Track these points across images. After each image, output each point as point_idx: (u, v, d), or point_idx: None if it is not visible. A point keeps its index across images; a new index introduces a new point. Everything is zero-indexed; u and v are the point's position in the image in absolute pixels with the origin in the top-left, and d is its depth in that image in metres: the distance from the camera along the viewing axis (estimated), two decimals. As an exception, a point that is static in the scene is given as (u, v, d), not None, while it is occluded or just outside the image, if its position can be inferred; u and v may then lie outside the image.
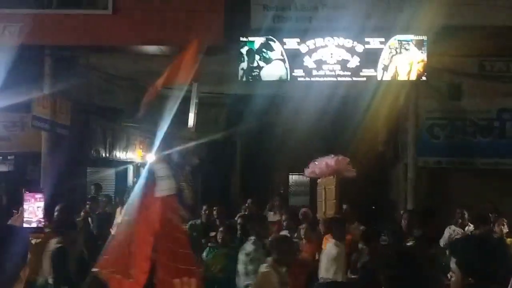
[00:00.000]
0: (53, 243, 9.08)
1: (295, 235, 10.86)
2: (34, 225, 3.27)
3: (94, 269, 6.59)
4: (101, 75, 16.87)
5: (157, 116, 6.76)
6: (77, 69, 15.80)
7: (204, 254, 9.98)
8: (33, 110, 14.44)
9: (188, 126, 6.90)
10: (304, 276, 8.95)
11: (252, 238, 8.95)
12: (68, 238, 9.00)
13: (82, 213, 12.31)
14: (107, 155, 18.66)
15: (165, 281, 6.46)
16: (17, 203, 11.95)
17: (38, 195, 3.33)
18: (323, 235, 10.75)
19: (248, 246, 8.84)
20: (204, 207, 12.86)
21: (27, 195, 3.27)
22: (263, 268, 7.44)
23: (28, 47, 14.40)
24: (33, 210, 3.29)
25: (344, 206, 12.37)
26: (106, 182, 18.11)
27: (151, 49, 15.55)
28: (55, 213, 9.75)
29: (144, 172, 18.94)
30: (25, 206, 3.25)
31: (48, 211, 8.87)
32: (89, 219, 12.34)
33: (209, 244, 10.31)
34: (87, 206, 13.07)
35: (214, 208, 12.78)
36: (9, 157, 16.47)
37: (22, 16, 14.56)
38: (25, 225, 3.26)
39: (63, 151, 15.18)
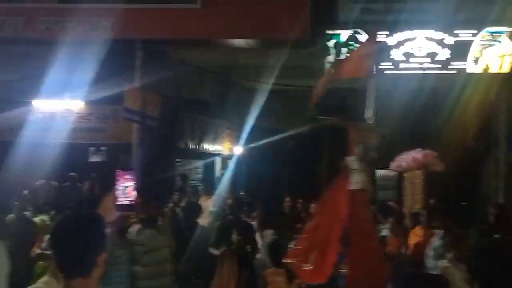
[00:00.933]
0: (269, 235, 9.40)
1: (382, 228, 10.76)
2: (125, 203, 3.38)
3: (284, 259, 6.70)
4: (189, 68, 17.16)
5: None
6: (166, 62, 16.12)
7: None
8: (124, 102, 14.85)
9: (367, 121, 6.93)
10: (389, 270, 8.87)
11: (440, 232, 8.75)
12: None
13: (170, 204, 12.54)
14: (195, 147, 18.95)
15: (357, 275, 6.47)
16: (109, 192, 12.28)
17: (128, 175, 3.43)
18: (410, 229, 10.63)
19: (436, 241, 8.72)
20: (288, 199, 12.92)
21: (118, 174, 3.38)
22: (444, 263, 7.41)
23: (120, 41, 14.80)
24: (123, 190, 3.40)
25: (431, 201, 12.18)
26: (194, 174, 18.40)
27: (238, 42, 15.69)
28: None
29: (231, 164, 19.11)
30: (117, 186, 3.37)
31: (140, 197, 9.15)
32: (176, 210, 12.56)
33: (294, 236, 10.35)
34: (175, 196, 13.31)
35: (299, 200, 12.80)
36: (101, 148, 16.97)
37: (115, 10, 14.96)
38: (116, 204, 3.37)
39: (152, 142, 15.55)
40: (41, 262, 9.23)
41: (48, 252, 8.32)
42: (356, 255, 6.48)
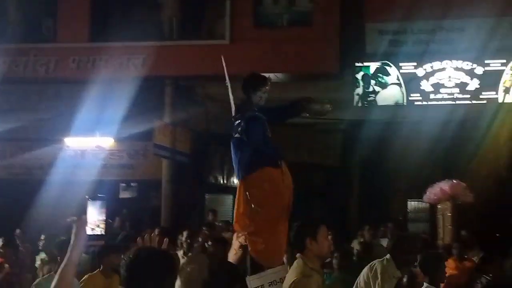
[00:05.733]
0: None
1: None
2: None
3: None
4: (218, 104, 17.25)
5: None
6: (195, 98, 16.23)
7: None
8: (154, 139, 14.94)
9: None
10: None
11: None
12: None
13: (200, 239, 12.54)
14: (225, 181, 18.96)
15: None
16: (140, 229, 12.38)
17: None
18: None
19: None
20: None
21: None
22: None
23: (149, 78, 14.97)
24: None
25: (463, 232, 12.00)
26: (223, 208, 18.38)
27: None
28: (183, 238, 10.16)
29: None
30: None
31: (171, 234, 9.36)
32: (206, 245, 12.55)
33: (324, 270, 10.22)
34: (205, 231, 13.30)
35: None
36: (132, 184, 17.07)
37: (145, 48, 15.19)
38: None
39: (182, 178, 15.60)
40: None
41: None
42: None
